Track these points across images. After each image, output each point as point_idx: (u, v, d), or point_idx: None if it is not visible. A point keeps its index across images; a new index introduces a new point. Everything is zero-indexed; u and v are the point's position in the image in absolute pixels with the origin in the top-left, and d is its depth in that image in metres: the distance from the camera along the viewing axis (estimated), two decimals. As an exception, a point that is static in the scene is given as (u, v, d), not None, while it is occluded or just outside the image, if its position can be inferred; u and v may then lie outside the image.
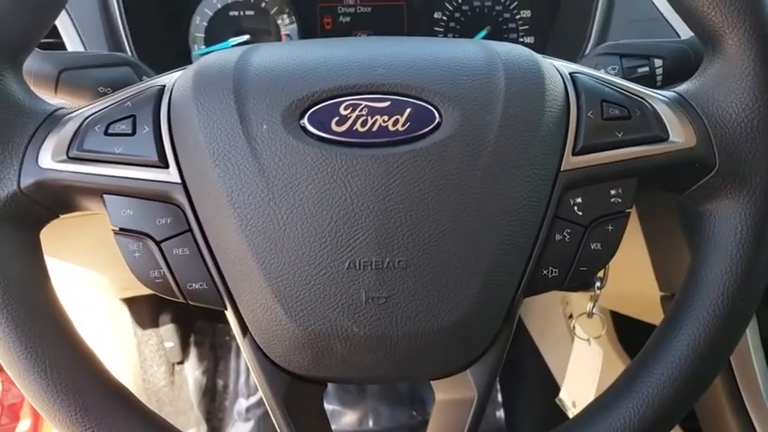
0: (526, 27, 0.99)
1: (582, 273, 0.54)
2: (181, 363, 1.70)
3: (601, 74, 0.58)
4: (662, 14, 0.83)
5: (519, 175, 0.51)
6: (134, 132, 0.52)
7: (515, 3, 0.98)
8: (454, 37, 0.98)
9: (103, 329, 1.50)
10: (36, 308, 0.52)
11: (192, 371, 1.71)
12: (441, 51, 0.54)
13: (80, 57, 0.71)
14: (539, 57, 0.56)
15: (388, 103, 0.51)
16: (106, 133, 0.52)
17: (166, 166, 0.52)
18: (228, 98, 0.51)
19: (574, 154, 0.53)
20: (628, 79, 0.61)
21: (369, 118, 0.51)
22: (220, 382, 1.75)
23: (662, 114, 0.55)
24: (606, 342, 1.30)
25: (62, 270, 1.12)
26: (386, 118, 0.51)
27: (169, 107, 0.53)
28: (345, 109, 0.51)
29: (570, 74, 0.56)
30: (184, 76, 0.54)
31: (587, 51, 0.86)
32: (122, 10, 0.84)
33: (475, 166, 0.51)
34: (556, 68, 0.55)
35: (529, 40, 0.99)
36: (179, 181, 0.52)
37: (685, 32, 0.79)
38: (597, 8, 0.86)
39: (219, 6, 0.97)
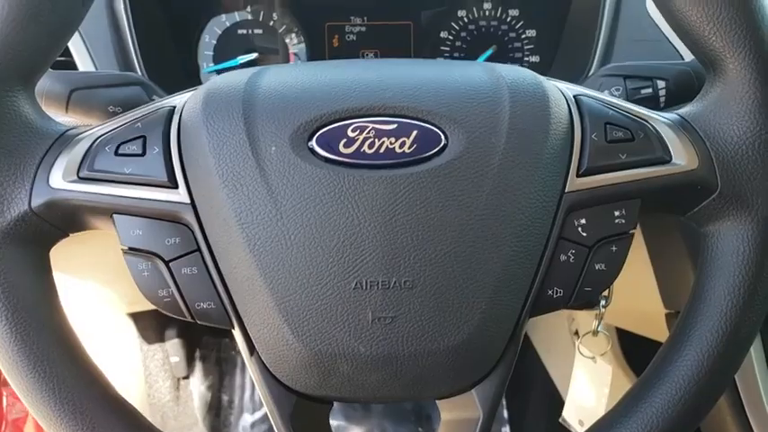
0: (531, 46, 0.99)
1: (586, 293, 0.54)
2: (186, 378, 1.70)
3: (605, 96, 0.58)
4: (665, 36, 0.83)
5: (524, 196, 0.52)
6: (144, 153, 0.53)
7: (521, 22, 0.99)
8: (460, 56, 0.99)
9: (109, 344, 1.50)
10: (44, 327, 0.52)
11: (197, 386, 1.71)
12: (446, 74, 0.55)
13: (91, 76, 0.72)
14: (543, 79, 0.56)
15: (394, 126, 0.52)
16: (116, 153, 0.53)
17: (176, 186, 0.53)
18: (238, 120, 0.52)
19: (578, 176, 0.54)
20: (631, 100, 0.61)
21: (376, 140, 0.51)
22: (225, 398, 1.74)
23: (665, 137, 0.55)
24: (612, 359, 1.30)
25: (69, 285, 1.12)
26: (393, 140, 0.51)
27: (179, 128, 0.54)
28: (353, 131, 0.51)
29: (574, 96, 0.56)
30: (194, 98, 0.55)
31: (592, 70, 0.87)
32: (132, 29, 0.85)
33: (480, 188, 0.51)
34: (560, 91, 0.56)
35: (534, 59, 1.00)
36: (188, 201, 0.53)
37: (688, 54, 0.80)
38: (601, 28, 0.87)
39: (228, 25, 0.98)
